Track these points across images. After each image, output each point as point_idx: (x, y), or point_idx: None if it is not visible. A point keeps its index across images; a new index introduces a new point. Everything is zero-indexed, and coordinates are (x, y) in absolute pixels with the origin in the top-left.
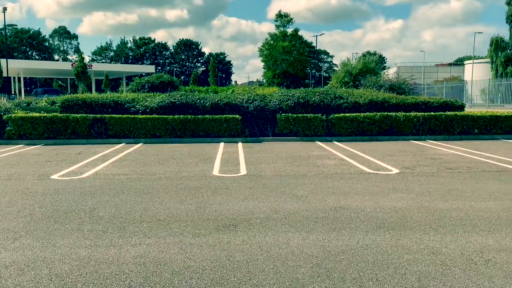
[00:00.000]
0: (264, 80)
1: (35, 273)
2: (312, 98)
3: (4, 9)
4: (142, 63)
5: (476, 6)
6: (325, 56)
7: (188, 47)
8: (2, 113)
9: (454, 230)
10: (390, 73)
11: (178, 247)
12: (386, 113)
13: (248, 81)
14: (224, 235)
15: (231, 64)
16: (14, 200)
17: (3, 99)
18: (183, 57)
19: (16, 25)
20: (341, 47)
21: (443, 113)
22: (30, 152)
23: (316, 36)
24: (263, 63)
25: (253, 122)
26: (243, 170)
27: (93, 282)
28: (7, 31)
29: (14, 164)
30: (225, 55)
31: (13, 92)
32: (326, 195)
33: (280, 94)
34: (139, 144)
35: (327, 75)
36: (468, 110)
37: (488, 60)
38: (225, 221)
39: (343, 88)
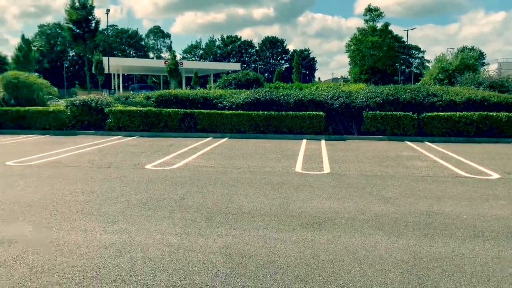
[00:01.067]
0: (350, 77)
1: (131, 255)
2: (403, 95)
3: (107, 11)
4: (229, 61)
5: None
6: (416, 52)
7: (273, 44)
8: (104, 107)
9: None
10: (490, 70)
11: (262, 240)
12: (485, 112)
13: (332, 77)
14: (308, 232)
15: (315, 61)
16: (113, 187)
17: (105, 94)
18: (267, 54)
19: (117, 26)
20: (433, 42)
21: None
22: (127, 143)
23: (407, 30)
24: (349, 59)
25: (338, 120)
26: (326, 168)
27: (183, 269)
28: (109, 31)
29: (113, 154)
30: (310, 52)
31: (113, 88)
32: (417, 198)
33: (367, 91)
34: (225, 139)
35: (418, 71)
36: None
37: None
38: (309, 219)
39: (437, 86)
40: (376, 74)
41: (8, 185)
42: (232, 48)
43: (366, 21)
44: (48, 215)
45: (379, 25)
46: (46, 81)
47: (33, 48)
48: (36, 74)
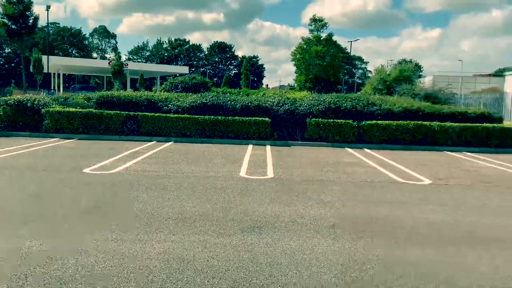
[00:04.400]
0: (296, 84)
1: (63, 262)
2: (344, 103)
3: (48, 7)
4: (177, 64)
5: None
6: (360, 63)
7: (221, 49)
8: (40, 107)
9: (488, 248)
10: (426, 82)
11: (202, 245)
12: (420, 122)
13: (279, 85)
14: (248, 236)
15: (264, 68)
16: (47, 191)
17: (43, 94)
18: (216, 59)
19: (59, 23)
20: (376, 54)
21: (480, 124)
22: (65, 145)
23: (351, 41)
24: (295, 68)
25: (283, 126)
26: (270, 173)
27: (117, 275)
28: (50, 29)
29: (49, 157)
30: (258, 59)
31: (52, 88)
32: (354, 202)
33: (311, 98)
34: (169, 143)
35: (361, 81)
36: (507, 123)
37: None
38: (250, 223)
39: (377, 95)
40: (320, 82)
41: None
42: (180, 51)
43: (311, 30)
44: None
45: (323, 35)
46: None
47: None
48: None
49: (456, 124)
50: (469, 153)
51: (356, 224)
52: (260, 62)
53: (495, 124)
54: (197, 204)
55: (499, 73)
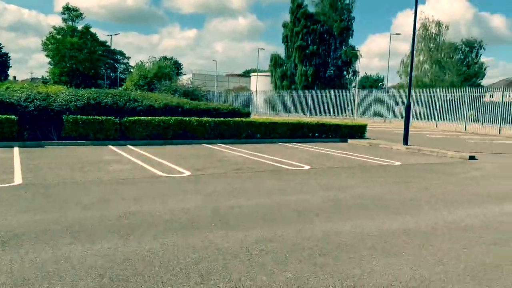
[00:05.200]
0: (50, 78)
1: None
2: (105, 99)
3: None
4: None
5: (259, 25)
6: (122, 57)
7: None
8: None
9: (236, 226)
10: (184, 79)
11: None
12: (180, 117)
13: (31, 77)
14: None
15: (9, 57)
16: None
17: None
18: None
19: None
20: (138, 50)
21: (231, 119)
22: None
23: (111, 35)
24: (49, 59)
25: (34, 124)
26: (18, 179)
27: None
28: None
29: None
30: (1, 46)
31: None
32: (116, 201)
33: (67, 93)
34: None
35: (124, 76)
36: (253, 117)
37: (269, 74)
38: None
39: (138, 91)
40: (78, 77)
41: None
42: None
43: (65, 20)
44: None
45: (80, 26)
46: None
47: None
48: None
49: (211, 119)
50: (223, 145)
51: (116, 223)
52: (4, 50)
53: (243, 119)
54: None
55: (247, 74)
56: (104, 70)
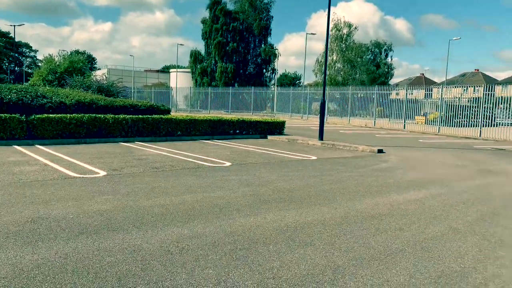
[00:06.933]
0: None
1: None
2: (8, 95)
3: None
4: None
5: (177, 20)
6: (28, 50)
7: None
8: None
9: (155, 225)
10: (99, 75)
11: None
12: (94, 115)
13: None
14: None
15: None
16: None
17: None
18: None
19: None
20: (47, 43)
21: (150, 116)
22: None
23: (14, 26)
24: None
25: None
26: None
27: None
28: None
29: None
30: None
31: None
32: (22, 205)
33: None
34: None
35: (30, 71)
36: (173, 114)
37: (189, 70)
38: None
39: (47, 87)
40: None
41: None
42: None
43: None
44: None
45: None
46: None
47: None
48: None
49: (129, 116)
50: (141, 143)
51: (23, 229)
52: None
53: (162, 116)
54: None
55: (166, 70)
56: (7, 64)
